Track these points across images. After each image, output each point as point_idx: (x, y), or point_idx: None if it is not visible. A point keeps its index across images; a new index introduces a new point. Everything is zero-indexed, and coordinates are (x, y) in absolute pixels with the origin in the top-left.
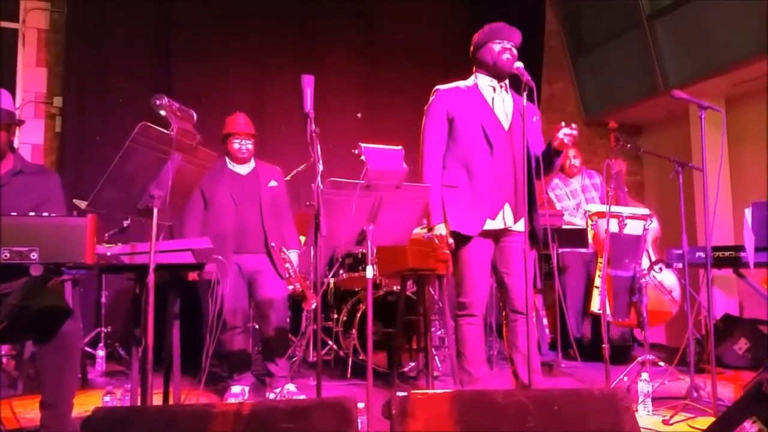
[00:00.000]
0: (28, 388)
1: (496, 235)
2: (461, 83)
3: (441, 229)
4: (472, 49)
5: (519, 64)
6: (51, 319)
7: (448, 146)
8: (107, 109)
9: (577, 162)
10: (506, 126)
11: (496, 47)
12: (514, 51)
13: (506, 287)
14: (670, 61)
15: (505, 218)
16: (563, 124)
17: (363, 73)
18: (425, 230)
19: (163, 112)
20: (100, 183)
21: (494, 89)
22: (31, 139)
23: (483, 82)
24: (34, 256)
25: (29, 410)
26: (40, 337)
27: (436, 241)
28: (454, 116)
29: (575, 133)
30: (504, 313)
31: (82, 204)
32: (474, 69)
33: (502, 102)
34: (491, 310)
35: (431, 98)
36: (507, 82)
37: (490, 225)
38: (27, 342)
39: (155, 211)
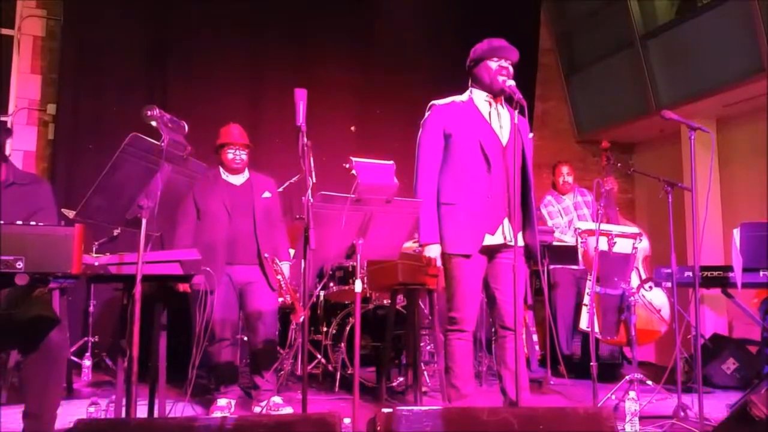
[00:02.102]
0: (12, 397)
1: (491, 251)
2: (457, 98)
3: (433, 251)
4: (468, 62)
5: (511, 83)
6: (37, 328)
7: (443, 162)
8: (101, 117)
9: (570, 179)
10: (504, 141)
11: (493, 65)
12: (511, 70)
13: (496, 303)
14: (662, 80)
15: (504, 233)
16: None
17: (357, 87)
18: (417, 244)
19: (154, 123)
20: (89, 193)
21: (490, 104)
22: (23, 146)
23: (478, 96)
24: (20, 265)
25: (11, 420)
26: (25, 347)
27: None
28: (451, 133)
29: None
30: (494, 329)
31: (71, 214)
32: (470, 83)
33: (498, 117)
34: (481, 325)
35: (427, 113)
36: (502, 97)
37: (490, 240)
38: (12, 350)
39: (143, 221)
